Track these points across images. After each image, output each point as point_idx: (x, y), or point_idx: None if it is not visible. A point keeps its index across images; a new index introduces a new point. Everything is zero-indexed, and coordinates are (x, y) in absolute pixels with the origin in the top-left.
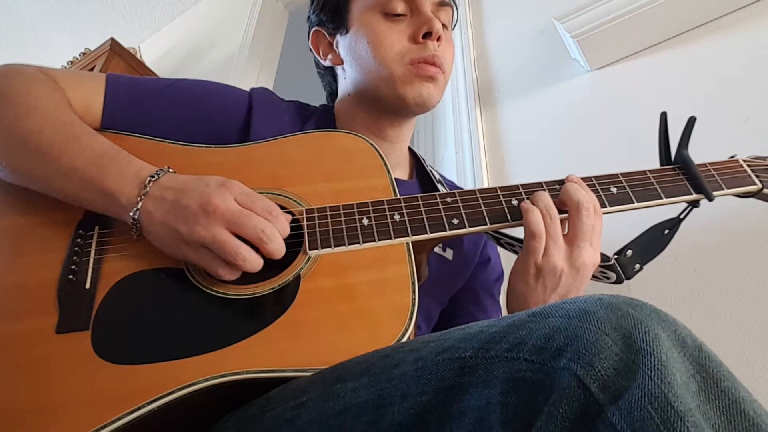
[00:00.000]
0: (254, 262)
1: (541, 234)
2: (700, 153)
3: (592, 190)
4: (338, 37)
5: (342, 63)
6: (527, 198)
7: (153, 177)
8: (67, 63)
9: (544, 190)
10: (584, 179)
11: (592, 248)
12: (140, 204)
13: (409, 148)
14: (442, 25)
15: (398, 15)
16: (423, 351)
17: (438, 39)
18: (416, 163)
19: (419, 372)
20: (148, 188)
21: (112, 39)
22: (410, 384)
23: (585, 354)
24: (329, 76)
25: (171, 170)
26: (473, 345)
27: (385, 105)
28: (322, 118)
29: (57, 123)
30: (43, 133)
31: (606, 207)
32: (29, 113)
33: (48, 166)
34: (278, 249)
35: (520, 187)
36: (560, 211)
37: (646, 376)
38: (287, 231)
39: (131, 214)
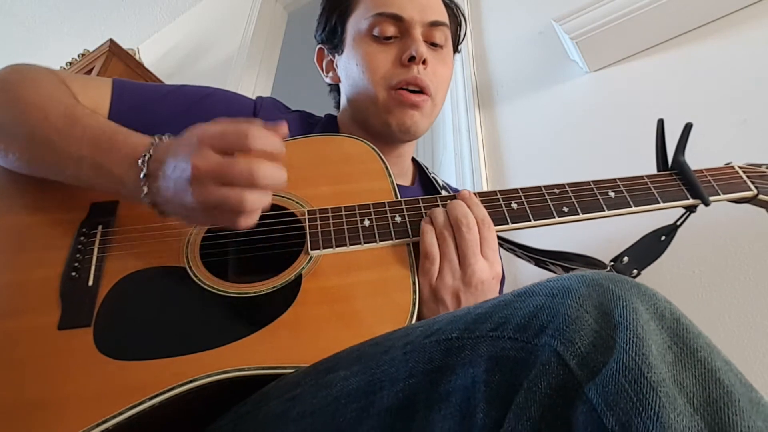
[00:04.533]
0: (262, 199)
1: (434, 256)
2: (698, 154)
3: (590, 194)
4: (337, 56)
5: (340, 81)
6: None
7: (144, 156)
8: (66, 64)
9: (542, 192)
10: (582, 184)
11: (486, 261)
12: (146, 188)
13: (413, 158)
14: (435, 45)
15: (388, 38)
16: (412, 335)
17: (424, 62)
18: (419, 171)
19: (407, 356)
20: (144, 169)
21: (111, 40)
22: (399, 368)
23: (565, 330)
24: (335, 89)
25: (160, 140)
26: (459, 326)
27: (376, 131)
28: (327, 127)
29: (61, 107)
30: (48, 120)
31: (604, 211)
32: (36, 101)
33: (59, 155)
34: (273, 176)
35: (520, 191)
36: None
37: (622, 350)
38: (276, 147)
39: (142, 198)
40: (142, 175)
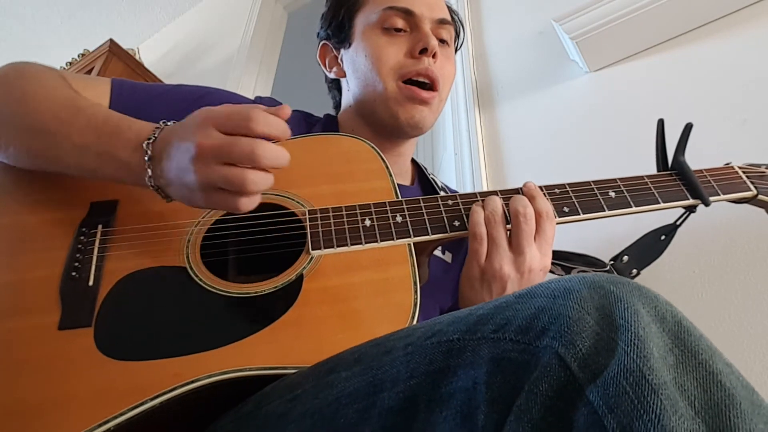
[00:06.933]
0: (264, 180)
1: (481, 236)
2: (698, 154)
3: (590, 194)
4: (342, 51)
5: (345, 75)
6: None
7: (150, 139)
8: (66, 64)
9: (542, 192)
10: (582, 183)
11: (539, 252)
12: (150, 171)
13: (412, 159)
14: (443, 41)
15: (398, 30)
16: (413, 336)
17: (434, 56)
18: (418, 171)
19: (409, 357)
20: (149, 152)
21: (111, 40)
22: (400, 369)
23: (567, 332)
24: (335, 88)
25: (166, 124)
26: (461, 328)
27: (382, 125)
28: (326, 127)
29: (62, 98)
30: (50, 111)
31: (605, 211)
32: (37, 94)
33: (61, 145)
34: (275, 157)
35: (519, 190)
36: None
37: (623, 352)
38: (279, 129)
39: (147, 181)
40: (146, 158)
